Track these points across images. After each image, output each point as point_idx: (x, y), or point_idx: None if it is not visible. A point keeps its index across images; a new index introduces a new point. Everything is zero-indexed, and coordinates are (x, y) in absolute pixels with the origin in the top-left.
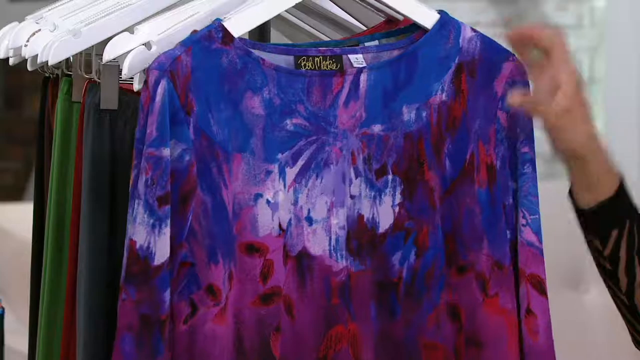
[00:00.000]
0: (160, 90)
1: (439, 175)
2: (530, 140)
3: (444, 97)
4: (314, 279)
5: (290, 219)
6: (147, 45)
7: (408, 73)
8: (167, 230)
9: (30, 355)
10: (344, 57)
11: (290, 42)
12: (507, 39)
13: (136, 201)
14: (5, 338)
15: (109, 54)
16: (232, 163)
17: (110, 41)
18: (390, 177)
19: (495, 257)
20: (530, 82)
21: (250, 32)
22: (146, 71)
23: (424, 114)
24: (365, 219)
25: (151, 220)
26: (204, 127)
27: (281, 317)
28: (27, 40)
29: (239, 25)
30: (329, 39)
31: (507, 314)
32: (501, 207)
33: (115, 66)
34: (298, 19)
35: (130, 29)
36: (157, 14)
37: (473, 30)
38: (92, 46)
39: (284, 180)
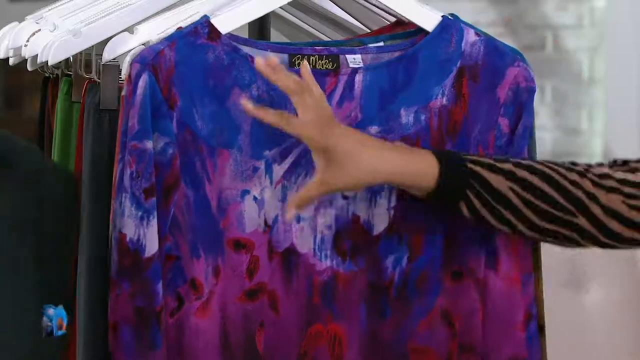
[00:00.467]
0: (141, 83)
1: None
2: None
3: (444, 101)
4: (299, 276)
5: (277, 216)
6: (147, 45)
7: (407, 75)
8: (154, 222)
9: None
10: (341, 57)
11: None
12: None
13: (123, 194)
14: None
15: (108, 54)
16: (218, 158)
17: (110, 41)
18: None
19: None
20: (536, 88)
21: (251, 31)
22: (128, 64)
23: (422, 117)
24: (361, 221)
25: (139, 213)
26: (188, 121)
27: (265, 313)
28: (27, 40)
29: (227, 22)
30: (328, 39)
31: None
32: None
33: (115, 66)
34: (298, 18)
35: (130, 29)
36: (157, 14)
37: (477, 34)
38: (92, 46)
39: (270, 177)
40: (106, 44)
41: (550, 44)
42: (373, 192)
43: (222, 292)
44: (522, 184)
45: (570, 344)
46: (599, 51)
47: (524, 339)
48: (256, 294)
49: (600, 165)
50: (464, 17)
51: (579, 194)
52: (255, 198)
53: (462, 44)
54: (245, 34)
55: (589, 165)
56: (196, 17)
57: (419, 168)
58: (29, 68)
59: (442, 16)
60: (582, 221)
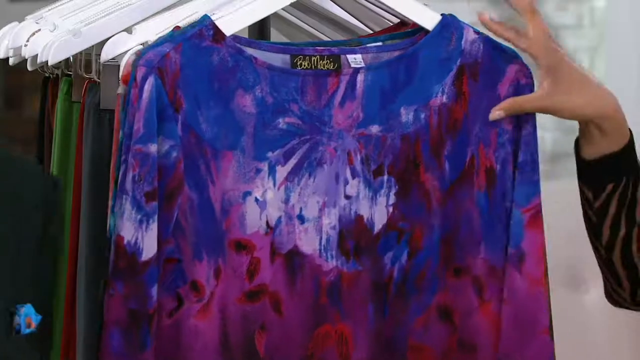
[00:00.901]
0: (147, 86)
1: (438, 177)
2: (523, 142)
3: (444, 99)
4: (304, 278)
5: (280, 217)
6: (146, 45)
7: (407, 74)
8: (154, 226)
9: None
10: (342, 57)
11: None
12: (486, 25)
13: (124, 197)
14: None
15: (107, 54)
16: (221, 160)
17: (109, 41)
18: (385, 177)
19: (492, 261)
20: (535, 83)
21: (250, 31)
22: (133, 67)
23: (422, 116)
24: (364, 220)
25: (139, 216)
26: (193, 124)
27: (267, 315)
28: (27, 40)
29: (231, 24)
30: (328, 39)
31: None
32: (500, 211)
33: (115, 66)
34: (298, 18)
35: (130, 29)
36: (157, 14)
37: (477, 32)
38: (92, 46)
39: (273, 178)
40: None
41: None
42: (374, 190)
43: (222, 293)
44: None
45: (570, 344)
46: (599, 51)
47: (548, 343)
48: (257, 296)
49: None
50: (463, 17)
51: None
52: (257, 200)
53: (462, 42)
54: (245, 34)
55: None
56: (195, 17)
57: (622, 124)
58: (29, 68)
59: (442, 15)
60: None
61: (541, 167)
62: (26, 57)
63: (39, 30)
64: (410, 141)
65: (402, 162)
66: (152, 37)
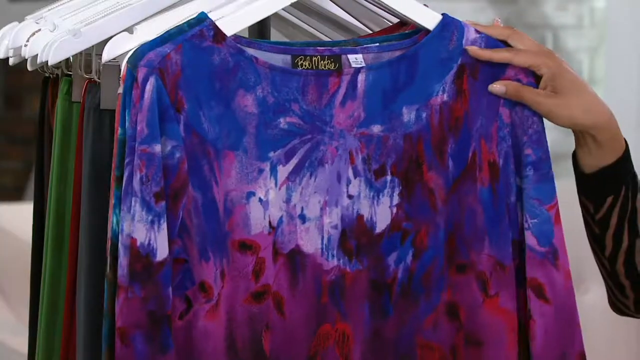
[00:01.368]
0: (149, 87)
1: (442, 175)
2: (533, 141)
3: (445, 97)
4: (306, 277)
5: (281, 217)
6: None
7: (408, 74)
8: (165, 226)
9: (30, 355)
10: (343, 57)
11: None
12: (477, 56)
13: (132, 199)
14: (4, 338)
15: (108, 54)
16: (224, 161)
17: (110, 41)
18: (388, 177)
19: (496, 256)
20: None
21: (251, 32)
22: (132, 67)
23: (423, 115)
24: (365, 219)
25: (149, 217)
26: (195, 124)
27: (271, 315)
28: (27, 40)
29: (231, 24)
30: (328, 39)
31: (507, 314)
32: (504, 205)
33: (115, 66)
34: (298, 18)
35: (130, 29)
36: (157, 13)
37: (477, 32)
38: (92, 46)
39: (275, 178)
40: (106, 44)
41: (550, 44)
42: (376, 190)
43: (229, 294)
44: None
45: None
46: (599, 51)
47: (581, 334)
48: (262, 296)
49: None
50: (463, 17)
51: None
52: (260, 200)
53: (463, 42)
54: (245, 35)
55: None
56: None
57: (616, 135)
58: (29, 68)
59: (443, 15)
60: None
61: None
62: (26, 57)
63: (39, 30)
64: (413, 141)
65: (405, 162)
66: (152, 37)
